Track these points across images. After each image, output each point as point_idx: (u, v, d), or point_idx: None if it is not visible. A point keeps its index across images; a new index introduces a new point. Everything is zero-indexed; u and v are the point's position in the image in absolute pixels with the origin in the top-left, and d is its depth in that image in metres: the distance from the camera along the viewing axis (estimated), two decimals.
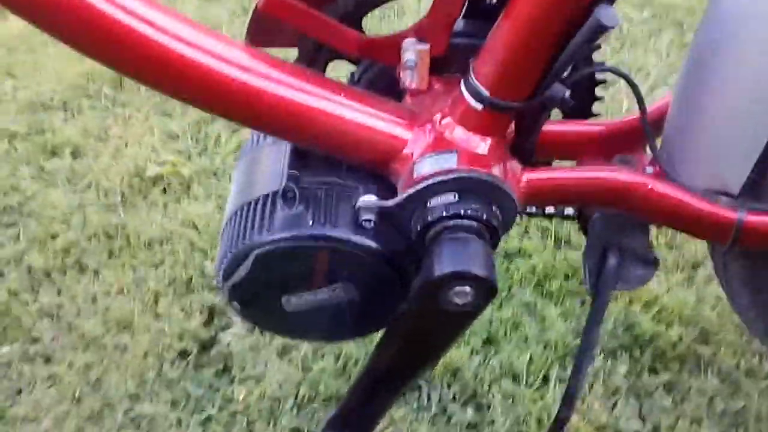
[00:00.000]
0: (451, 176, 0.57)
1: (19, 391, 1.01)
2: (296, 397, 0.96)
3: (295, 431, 0.93)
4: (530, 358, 0.97)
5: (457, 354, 0.97)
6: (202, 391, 0.98)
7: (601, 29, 0.49)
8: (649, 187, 0.60)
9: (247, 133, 1.46)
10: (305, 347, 1.01)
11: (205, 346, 1.04)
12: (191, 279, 1.14)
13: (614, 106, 1.45)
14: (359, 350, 1.00)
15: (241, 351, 1.02)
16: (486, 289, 0.55)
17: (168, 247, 1.21)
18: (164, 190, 1.35)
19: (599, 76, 0.67)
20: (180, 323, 1.06)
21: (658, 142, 0.63)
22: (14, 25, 1.86)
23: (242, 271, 0.62)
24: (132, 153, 1.43)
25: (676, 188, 0.60)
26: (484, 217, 0.57)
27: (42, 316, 1.11)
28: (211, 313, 1.09)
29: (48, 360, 1.04)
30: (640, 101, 0.59)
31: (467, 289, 0.55)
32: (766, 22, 0.53)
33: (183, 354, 1.03)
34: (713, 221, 0.60)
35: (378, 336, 0.67)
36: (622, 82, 1.50)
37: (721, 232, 0.61)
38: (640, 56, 1.66)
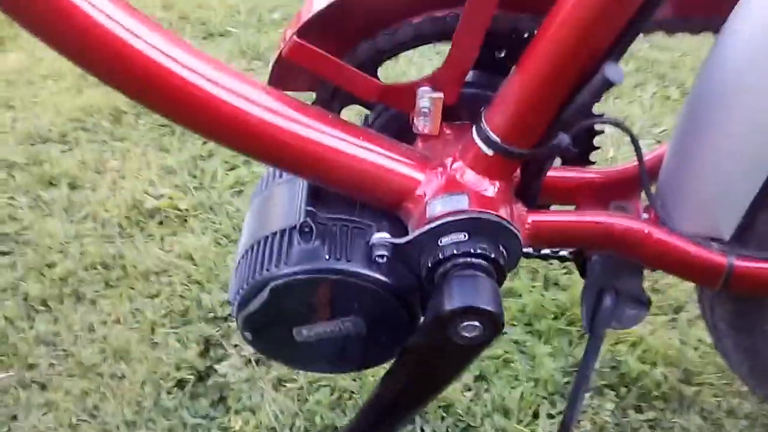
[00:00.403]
0: (462, 216, 0.60)
1: (14, 417, 1.02)
2: (291, 428, 0.97)
3: None
4: (521, 395, 1.00)
5: (450, 389, 1.00)
6: (198, 420, 0.99)
7: (608, 84, 0.53)
8: (646, 232, 0.64)
9: (244, 170, 1.49)
10: (301, 380, 1.03)
11: (202, 377, 1.06)
12: (188, 310, 1.16)
13: (601, 154, 1.51)
14: (355, 384, 1.02)
15: (237, 382, 1.04)
16: (494, 324, 0.58)
17: (165, 278, 1.23)
18: (161, 223, 1.37)
19: (597, 126, 0.71)
20: (177, 353, 1.08)
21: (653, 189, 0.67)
22: (14, 58, 1.90)
23: (257, 302, 0.64)
24: (129, 186, 1.46)
25: (671, 234, 0.64)
26: (492, 255, 0.60)
27: (38, 343, 1.12)
28: (208, 344, 1.11)
29: (44, 387, 1.05)
30: (638, 150, 0.63)
31: (476, 323, 0.58)
32: (758, 80, 0.57)
33: (180, 383, 1.04)
34: (705, 266, 0.64)
35: (378, 370, 0.69)
36: (608, 131, 1.56)
37: (712, 277, 0.65)
38: (625, 107, 1.72)
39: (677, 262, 0.65)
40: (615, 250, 0.66)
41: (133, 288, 1.22)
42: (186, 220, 1.37)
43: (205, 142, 1.56)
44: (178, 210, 1.39)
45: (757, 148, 0.58)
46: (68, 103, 1.73)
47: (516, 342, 1.10)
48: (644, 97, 1.78)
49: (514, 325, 1.12)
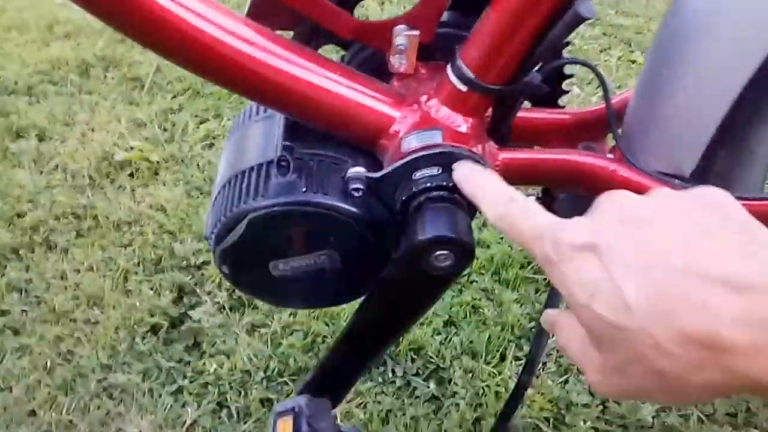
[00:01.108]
0: (435, 151, 0.61)
1: None
2: (266, 371, 1.00)
3: (265, 401, 0.97)
4: (488, 338, 1.03)
5: (420, 333, 1.03)
6: (173, 364, 1.01)
7: (580, 20, 0.55)
8: (611, 169, 0.67)
9: (215, 123, 1.49)
10: (275, 325, 1.05)
11: (175, 323, 1.07)
12: (161, 259, 1.17)
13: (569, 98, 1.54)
14: (327, 328, 1.04)
15: (211, 327, 1.06)
16: (465, 253, 0.60)
17: (137, 228, 1.24)
18: (132, 175, 1.37)
19: (567, 71, 0.73)
20: (150, 300, 1.09)
21: (620, 131, 0.70)
22: None
23: (235, 235, 0.65)
24: (99, 138, 1.45)
25: (635, 171, 0.67)
26: None
27: (10, 290, 1.12)
28: (181, 292, 1.12)
29: (17, 332, 1.06)
30: (605, 90, 0.65)
31: (448, 252, 0.60)
32: (715, 25, 0.60)
33: (154, 329, 1.06)
34: None
35: (349, 310, 0.71)
36: (573, 92, 1.59)
37: None
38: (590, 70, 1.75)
39: None
40: (582, 187, 0.69)
41: (104, 237, 1.22)
42: (157, 173, 1.37)
43: (174, 96, 1.56)
44: (149, 162, 1.39)
45: (714, 90, 0.61)
46: (34, 55, 1.70)
47: (484, 290, 1.13)
48: (610, 61, 1.81)
49: (483, 274, 1.15)
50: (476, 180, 0.52)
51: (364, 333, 0.71)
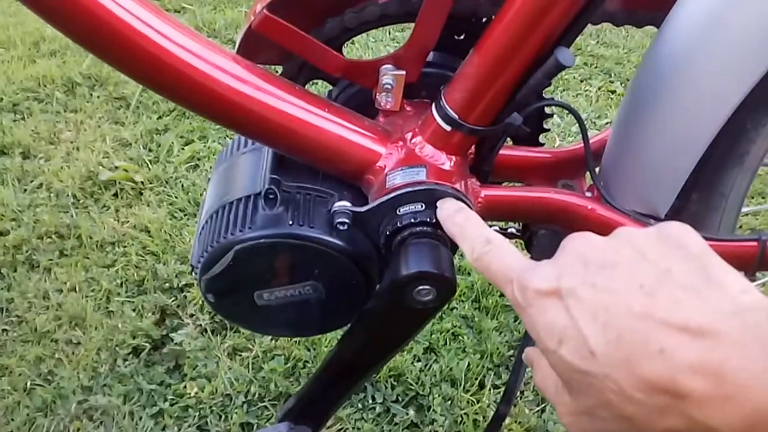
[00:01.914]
0: (419, 188, 0.63)
1: None
2: (247, 395, 1.00)
3: (245, 426, 0.97)
4: (468, 366, 1.05)
5: (400, 359, 1.04)
6: (154, 387, 1.01)
7: (560, 67, 0.58)
8: (589, 208, 0.69)
9: (200, 144, 1.50)
10: (256, 349, 1.06)
11: (157, 345, 1.08)
12: (144, 280, 1.18)
13: (548, 142, 1.56)
14: (309, 353, 1.05)
15: (192, 350, 1.06)
16: (447, 288, 0.61)
17: (120, 249, 1.24)
18: (116, 195, 1.38)
19: (547, 110, 0.76)
20: (132, 322, 1.10)
21: (597, 170, 0.72)
22: None
23: (221, 266, 0.67)
24: (84, 157, 1.45)
25: (612, 211, 0.69)
26: None
27: None
28: (163, 314, 1.13)
29: None
30: (584, 131, 0.68)
31: (430, 287, 0.62)
32: (691, 72, 0.62)
33: (135, 351, 1.06)
34: None
35: (331, 340, 0.72)
36: (555, 122, 1.62)
37: None
38: (572, 100, 1.78)
39: None
40: (560, 224, 0.71)
41: (88, 257, 1.22)
42: (141, 193, 1.38)
43: (160, 116, 1.57)
44: (134, 182, 1.39)
45: (690, 134, 0.63)
46: (20, 72, 1.71)
47: (464, 317, 1.14)
48: (590, 90, 1.85)
49: (463, 302, 1.17)
50: (457, 220, 0.54)
51: (346, 362, 0.73)
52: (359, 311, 0.69)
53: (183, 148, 1.49)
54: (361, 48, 1.95)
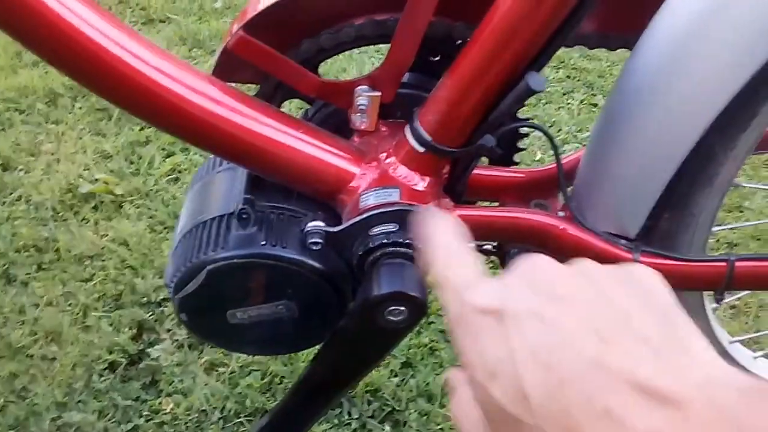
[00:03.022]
0: (393, 208, 0.64)
1: None
2: (223, 411, 1.00)
3: None
4: (445, 381, 1.05)
5: (377, 375, 1.04)
6: (129, 402, 1.01)
7: (530, 92, 0.58)
8: (561, 228, 0.69)
9: (181, 157, 1.50)
10: (233, 364, 1.06)
11: (134, 360, 1.07)
12: (121, 294, 1.17)
13: (528, 155, 1.57)
14: (285, 369, 1.05)
15: (169, 365, 1.06)
16: (418, 308, 0.62)
17: (99, 263, 1.24)
18: (96, 208, 1.37)
19: (521, 129, 0.76)
20: (109, 337, 1.09)
21: (570, 190, 0.73)
22: None
23: (194, 285, 0.67)
24: (64, 169, 1.45)
25: (583, 231, 0.70)
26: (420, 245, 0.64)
27: None
28: (140, 329, 1.12)
29: None
30: (556, 153, 0.69)
31: (402, 308, 0.62)
32: (661, 95, 0.63)
33: (111, 366, 1.06)
34: (613, 261, 0.69)
35: (308, 355, 0.72)
36: (536, 135, 1.63)
37: None
38: (553, 113, 1.79)
39: (588, 256, 0.69)
40: (532, 243, 0.71)
41: (66, 271, 1.22)
42: (121, 206, 1.38)
43: (142, 128, 1.56)
44: (114, 195, 1.39)
45: (660, 156, 0.64)
46: (1, 83, 1.70)
47: (442, 331, 1.15)
48: (572, 104, 1.86)
49: (441, 316, 1.17)
50: (428, 223, 0.45)
51: (319, 380, 0.73)
52: (332, 330, 0.70)
53: (164, 161, 1.49)
54: (345, 60, 1.96)
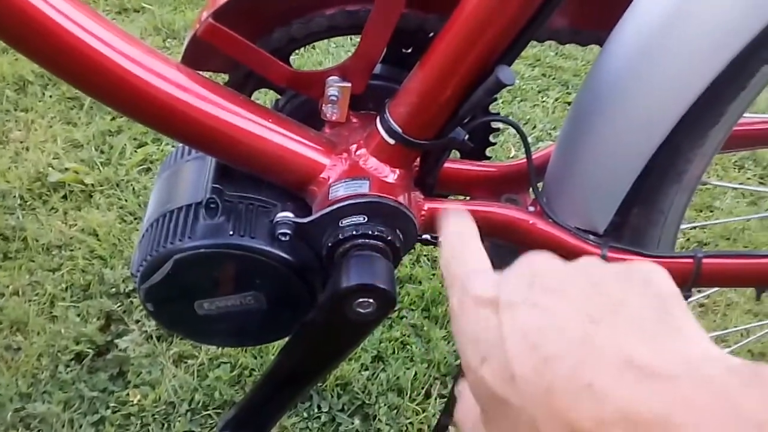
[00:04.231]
0: (362, 200, 0.63)
1: None
2: (191, 403, 0.99)
3: None
4: (415, 375, 1.05)
5: (347, 368, 1.04)
6: (96, 394, 0.99)
7: (500, 85, 0.58)
8: (531, 222, 0.70)
9: (153, 147, 1.49)
10: (202, 356, 1.05)
11: (101, 351, 1.06)
12: (90, 285, 1.16)
13: (503, 151, 1.58)
14: (255, 361, 1.04)
15: (137, 357, 1.05)
16: (386, 301, 0.62)
17: (67, 252, 1.22)
18: (65, 197, 1.35)
19: (493, 124, 0.76)
20: (76, 327, 1.08)
21: (541, 185, 0.73)
22: None
23: (160, 275, 0.66)
24: (33, 158, 1.43)
25: (553, 226, 0.70)
26: (389, 238, 0.64)
27: None
28: (109, 319, 1.11)
29: None
30: (527, 148, 0.69)
31: (370, 300, 0.62)
32: (629, 90, 0.63)
33: (78, 357, 1.04)
34: (581, 255, 0.70)
35: (278, 345, 0.72)
36: (511, 132, 1.64)
37: None
38: (528, 110, 1.80)
39: (557, 250, 0.69)
40: (502, 238, 0.71)
41: (33, 261, 1.20)
42: (91, 196, 1.36)
43: (113, 118, 1.54)
44: (84, 185, 1.37)
45: (627, 152, 0.64)
46: None
47: (414, 326, 1.15)
48: (547, 102, 1.87)
49: (413, 310, 1.17)
50: (448, 222, 0.47)
51: (287, 372, 0.72)
52: (300, 323, 0.69)
53: (136, 151, 1.47)
54: (322, 53, 1.95)
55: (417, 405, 1.02)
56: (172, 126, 0.64)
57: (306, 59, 1.89)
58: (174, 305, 0.69)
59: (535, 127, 1.74)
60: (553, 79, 1.98)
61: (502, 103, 1.83)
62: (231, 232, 0.64)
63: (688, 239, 1.49)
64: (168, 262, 0.65)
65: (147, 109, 0.62)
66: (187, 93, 0.62)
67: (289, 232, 0.65)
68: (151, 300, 0.68)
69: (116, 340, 1.07)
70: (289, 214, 0.65)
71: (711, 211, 1.57)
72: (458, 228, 0.44)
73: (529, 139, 1.70)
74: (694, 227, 1.50)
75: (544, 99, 1.88)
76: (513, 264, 0.35)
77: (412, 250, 1.20)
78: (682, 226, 1.44)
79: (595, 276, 0.31)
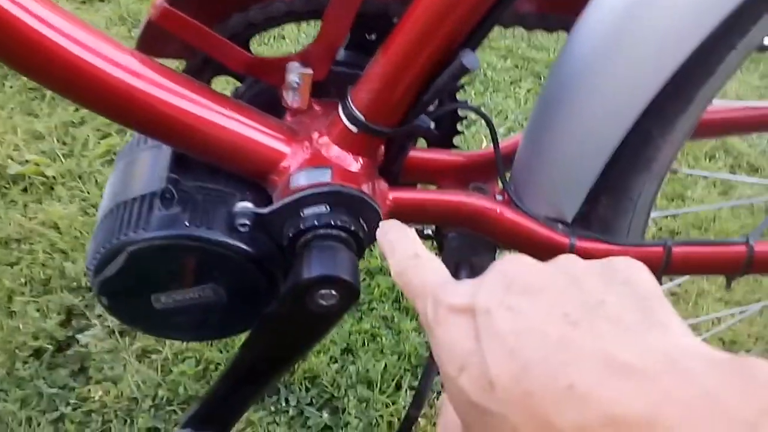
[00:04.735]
0: (324, 189, 0.62)
1: None
2: (154, 399, 0.97)
3: (152, 431, 0.94)
4: (385, 367, 1.04)
5: (316, 361, 1.02)
6: (55, 390, 0.97)
7: (464, 70, 0.56)
8: (498, 211, 0.68)
9: (117, 138, 1.45)
10: (166, 351, 1.02)
11: (62, 347, 1.03)
12: (50, 279, 1.13)
13: (475, 143, 1.57)
14: (221, 355, 1.02)
15: (99, 352, 1.02)
16: (349, 292, 0.60)
17: (26, 246, 1.19)
18: (25, 190, 1.32)
19: (461, 112, 0.75)
20: (35, 322, 1.05)
21: (509, 174, 0.72)
22: None
23: (114, 267, 0.64)
24: None
25: (520, 215, 0.69)
26: (352, 228, 0.62)
27: None
28: (70, 314, 1.08)
29: None
30: (494, 136, 0.67)
31: (332, 292, 0.60)
32: (596, 78, 0.62)
33: (37, 353, 1.01)
34: (550, 245, 0.69)
35: (241, 338, 0.70)
36: (483, 122, 1.63)
37: (555, 255, 0.70)
38: (501, 101, 1.79)
39: (525, 240, 0.69)
40: (469, 227, 0.70)
41: None
42: (52, 188, 1.32)
43: (76, 109, 1.51)
44: (45, 177, 1.33)
45: (595, 139, 0.63)
46: None
47: (384, 318, 1.13)
48: (520, 93, 1.86)
49: (383, 302, 1.16)
50: (390, 236, 0.46)
51: (249, 366, 0.70)
52: (261, 315, 0.67)
53: (99, 142, 1.43)
54: (292, 43, 1.92)
55: (387, 397, 1.01)
56: (126, 114, 0.61)
57: (275, 50, 1.86)
58: (130, 299, 0.67)
59: (507, 117, 1.74)
60: (526, 70, 1.97)
61: (474, 94, 1.82)
62: (187, 223, 0.62)
63: (660, 228, 1.49)
64: (121, 255, 0.62)
65: (99, 96, 0.60)
66: (140, 79, 0.59)
67: (248, 222, 0.63)
68: (106, 294, 0.66)
69: (77, 336, 1.04)
70: (249, 204, 0.63)
71: (683, 200, 1.58)
72: (405, 240, 0.42)
73: (501, 131, 1.69)
74: (666, 216, 1.50)
75: (516, 90, 1.88)
76: (487, 269, 0.34)
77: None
78: (654, 215, 1.44)
79: (573, 275, 0.31)
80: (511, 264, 0.33)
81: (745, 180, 1.67)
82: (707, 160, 1.73)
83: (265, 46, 1.89)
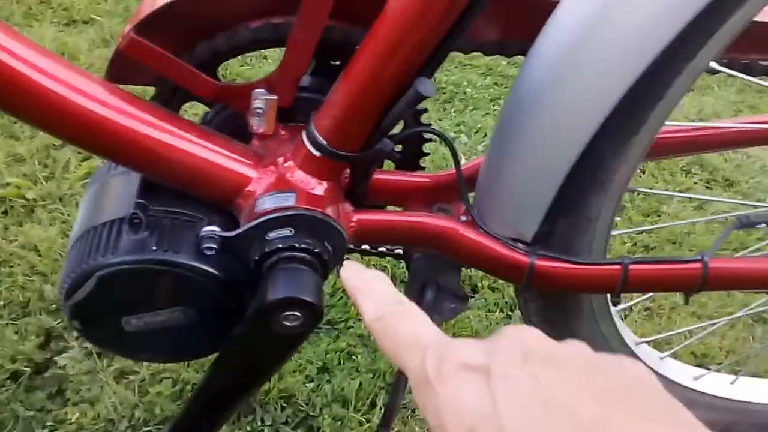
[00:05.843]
0: (289, 213, 0.63)
1: None
2: (131, 420, 0.98)
3: None
4: (360, 385, 1.05)
5: (292, 380, 1.03)
6: (32, 413, 0.97)
7: (420, 97, 0.59)
8: (460, 232, 0.70)
9: (98, 161, 1.46)
10: (144, 372, 1.03)
11: (40, 369, 1.04)
12: (29, 302, 1.13)
13: (446, 163, 1.58)
14: (198, 375, 1.03)
15: (76, 374, 1.03)
16: (313, 314, 0.62)
17: (5, 269, 1.20)
18: (5, 213, 1.32)
19: (427, 135, 0.77)
20: (13, 345, 1.05)
21: (473, 195, 0.74)
22: None
23: (84, 291, 0.65)
24: None
25: (482, 235, 0.70)
26: (316, 250, 0.64)
27: None
28: (48, 337, 1.09)
29: None
30: (455, 157, 0.69)
31: (296, 313, 0.62)
32: (551, 100, 0.64)
33: (14, 376, 1.02)
34: (510, 264, 0.71)
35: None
36: (459, 142, 1.64)
37: (516, 274, 0.72)
38: (480, 119, 1.81)
39: (486, 260, 0.71)
40: (433, 248, 0.72)
41: None
42: (33, 211, 1.33)
43: None
44: (26, 200, 1.34)
45: (549, 162, 0.65)
46: None
47: (360, 336, 1.15)
48: (499, 110, 1.88)
49: (360, 320, 1.17)
50: (365, 276, 0.42)
51: (218, 388, 0.72)
52: (227, 337, 0.69)
53: (81, 164, 1.45)
54: (274, 63, 1.94)
55: (362, 415, 1.02)
56: (94, 142, 0.63)
57: (258, 70, 1.88)
58: (101, 322, 0.68)
59: (485, 135, 1.76)
60: (505, 87, 1.99)
61: (454, 112, 1.84)
62: (154, 248, 0.64)
63: (635, 244, 1.51)
64: (91, 279, 0.64)
65: (68, 125, 0.61)
66: (107, 108, 0.61)
67: (215, 246, 0.64)
68: (77, 317, 0.67)
69: (55, 358, 1.05)
70: (215, 228, 0.64)
71: (658, 215, 1.60)
72: (385, 283, 0.40)
73: (481, 148, 1.71)
74: (641, 231, 1.52)
75: (495, 108, 1.89)
76: (495, 334, 0.33)
77: (360, 259, 1.20)
78: (629, 230, 1.46)
79: (589, 358, 0.30)
80: (523, 332, 0.32)
81: (712, 199, 1.69)
82: (683, 175, 1.75)
83: (247, 66, 1.91)
